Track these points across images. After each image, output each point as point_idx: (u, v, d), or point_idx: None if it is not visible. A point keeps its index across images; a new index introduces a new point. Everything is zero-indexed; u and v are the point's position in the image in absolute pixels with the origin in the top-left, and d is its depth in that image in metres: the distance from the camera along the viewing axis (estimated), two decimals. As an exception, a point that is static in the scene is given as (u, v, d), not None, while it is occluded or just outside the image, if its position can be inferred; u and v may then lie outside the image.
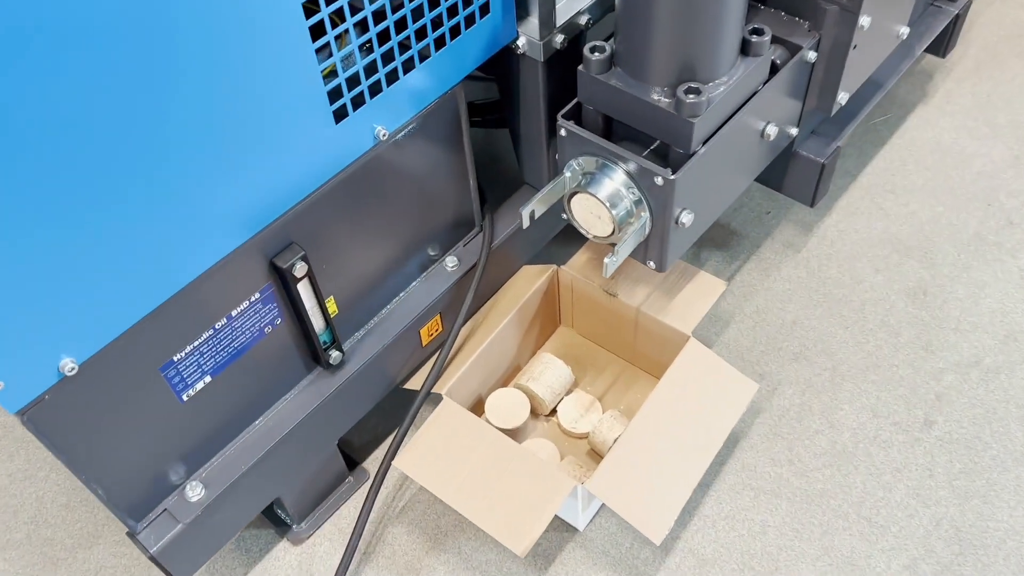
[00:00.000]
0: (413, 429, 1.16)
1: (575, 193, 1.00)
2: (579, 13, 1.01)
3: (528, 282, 1.23)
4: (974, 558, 1.11)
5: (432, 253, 1.14)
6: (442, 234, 1.13)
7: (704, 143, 0.94)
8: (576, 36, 1.03)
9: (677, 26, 0.88)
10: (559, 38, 1.01)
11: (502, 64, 1.07)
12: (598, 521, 1.16)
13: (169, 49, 0.68)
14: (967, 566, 1.10)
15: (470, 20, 0.94)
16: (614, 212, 0.97)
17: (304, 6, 0.77)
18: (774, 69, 1.01)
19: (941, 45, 1.52)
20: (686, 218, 0.97)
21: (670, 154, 0.96)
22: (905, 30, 1.20)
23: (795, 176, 1.28)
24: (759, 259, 1.43)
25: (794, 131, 1.13)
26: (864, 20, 1.03)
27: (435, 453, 1.06)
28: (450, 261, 1.15)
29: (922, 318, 1.34)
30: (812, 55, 1.04)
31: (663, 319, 1.16)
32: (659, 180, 0.93)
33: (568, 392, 1.25)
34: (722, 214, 1.38)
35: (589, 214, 1.00)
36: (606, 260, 0.96)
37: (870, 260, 1.41)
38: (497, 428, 1.17)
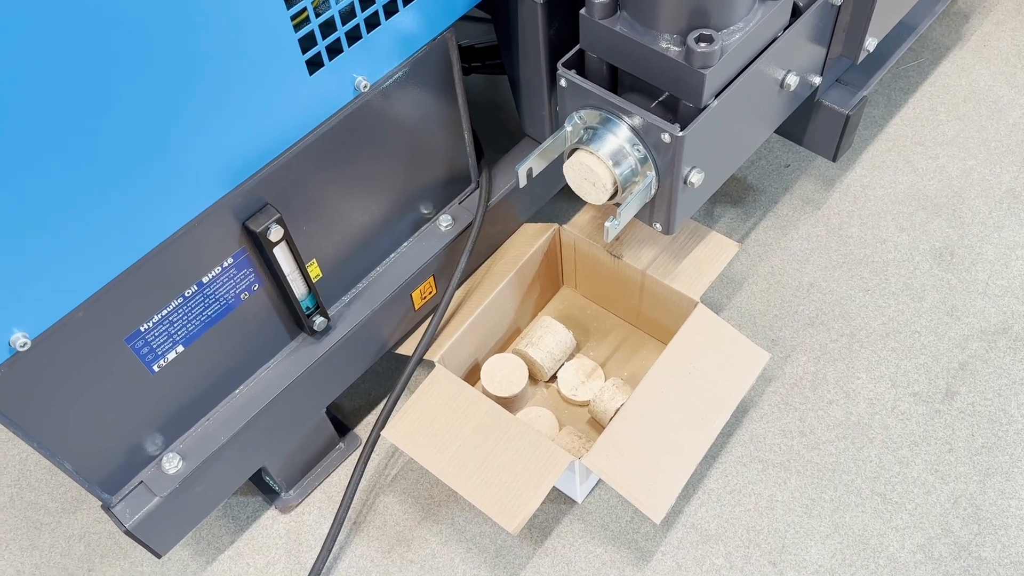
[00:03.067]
0: (406, 395, 1.11)
1: (575, 150, 0.92)
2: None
3: (528, 242, 1.16)
4: (993, 538, 1.05)
5: (425, 211, 1.07)
6: (435, 191, 1.06)
7: (717, 96, 0.87)
8: (579, -26, 0.94)
9: (688, -35, 0.79)
10: (560, -24, 0.92)
11: (498, 5, 0.98)
12: (597, 493, 1.11)
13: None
14: (986, 547, 1.05)
15: (460, -43, 0.86)
16: (617, 171, 0.89)
17: (268, -57, 0.69)
18: (796, 13, 0.93)
19: (981, -16, 1.41)
20: (695, 177, 0.90)
21: (679, 108, 0.88)
22: (943, -32, 1.10)
23: (817, 128, 1.20)
24: (776, 216, 1.35)
25: (817, 80, 1.04)
26: (898, -43, 0.94)
27: (426, 423, 1.01)
28: (444, 220, 1.08)
29: (948, 281, 1.26)
30: (839, -4, 0.95)
31: (670, 283, 1.09)
32: (666, 137, 0.86)
33: (569, 358, 1.19)
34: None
35: (583, 180, 0.92)
36: (607, 224, 0.89)
37: (895, 218, 1.33)
38: (493, 396, 1.12)
